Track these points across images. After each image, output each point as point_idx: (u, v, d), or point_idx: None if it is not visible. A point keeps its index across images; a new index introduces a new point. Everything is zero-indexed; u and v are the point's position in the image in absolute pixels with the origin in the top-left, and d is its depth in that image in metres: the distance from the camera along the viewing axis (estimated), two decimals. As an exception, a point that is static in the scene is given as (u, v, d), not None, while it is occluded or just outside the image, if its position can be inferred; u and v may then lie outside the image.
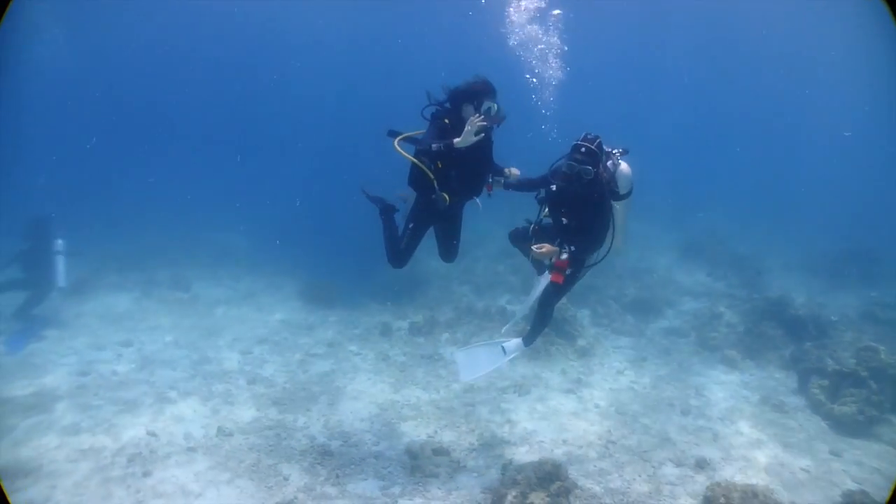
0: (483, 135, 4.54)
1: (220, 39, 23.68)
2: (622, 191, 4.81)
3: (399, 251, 5.10)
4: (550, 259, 4.79)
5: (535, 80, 7.50)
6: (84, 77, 21.41)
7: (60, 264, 9.02)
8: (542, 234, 5.08)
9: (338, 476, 5.55)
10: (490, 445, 6.23)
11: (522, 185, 5.17)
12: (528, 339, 5.45)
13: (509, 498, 5.04)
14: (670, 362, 8.72)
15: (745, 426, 6.79)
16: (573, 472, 5.62)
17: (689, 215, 15.39)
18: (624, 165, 4.79)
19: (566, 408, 7.17)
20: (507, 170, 5.12)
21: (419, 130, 4.91)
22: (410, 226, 5.06)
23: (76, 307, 9.70)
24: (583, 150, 4.44)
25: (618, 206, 4.87)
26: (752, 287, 10.92)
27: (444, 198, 4.73)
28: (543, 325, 5.45)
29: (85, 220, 10.74)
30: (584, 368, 8.40)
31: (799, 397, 7.57)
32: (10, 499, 4.43)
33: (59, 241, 9.08)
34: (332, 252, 11.89)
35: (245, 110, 24.51)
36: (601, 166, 4.57)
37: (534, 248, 4.72)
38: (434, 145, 4.49)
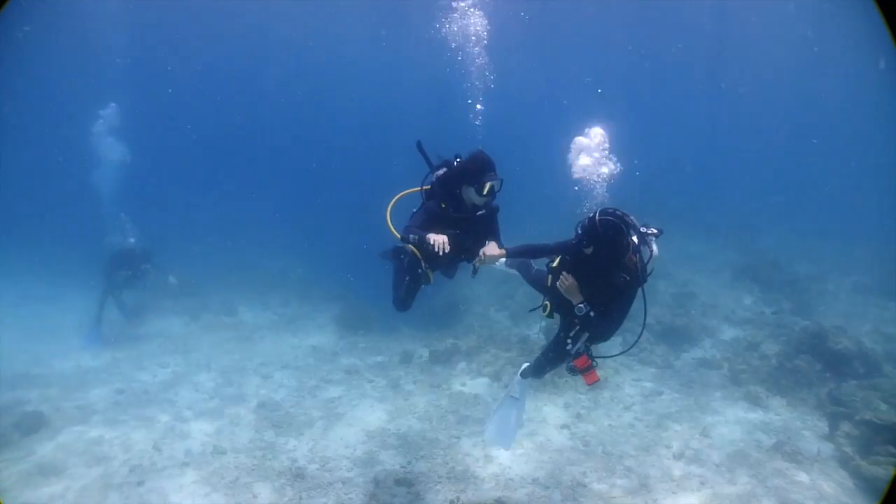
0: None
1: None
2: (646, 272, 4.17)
3: (400, 299, 5.18)
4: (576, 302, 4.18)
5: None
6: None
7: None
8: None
9: (301, 498, 5.89)
10: (457, 479, 6.26)
11: (524, 252, 4.66)
12: (526, 373, 5.21)
13: (440, 535, 5.13)
14: (688, 397, 8.12)
15: (743, 475, 6.19)
16: (526, 513, 5.54)
17: (748, 234, 14.06)
18: (654, 248, 4.16)
19: (552, 444, 6.98)
20: (481, 252, 4.53)
21: (423, 187, 4.88)
22: (406, 279, 5.04)
23: (133, 330, 11.09)
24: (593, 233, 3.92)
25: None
26: (805, 313, 9.77)
27: (429, 277, 4.84)
28: (539, 374, 5.16)
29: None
30: (591, 402, 8.09)
31: (826, 446, 6.72)
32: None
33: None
34: (376, 276, 12.41)
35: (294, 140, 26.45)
36: (632, 252, 4.03)
37: (562, 277, 4.18)
38: (410, 241, 4.52)
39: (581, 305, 4.08)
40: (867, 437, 6.24)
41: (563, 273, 4.17)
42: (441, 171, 4.74)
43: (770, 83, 26.43)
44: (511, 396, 5.38)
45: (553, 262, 4.51)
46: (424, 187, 4.90)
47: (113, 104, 14.16)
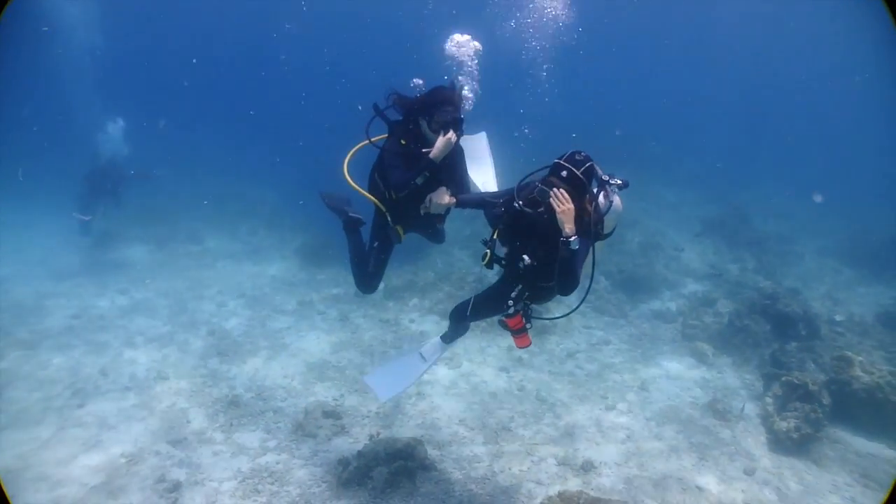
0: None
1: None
2: (606, 230, 3.68)
3: (367, 274, 4.51)
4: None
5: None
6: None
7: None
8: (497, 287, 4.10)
9: (231, 425, 6.03)
10: (385, 415, 6.36)
11: (477, 202, 4.14)
12: (448, 337, 4.76)
13: (350, 468, 5.26)
14: (635, 349, 8.16)
15: (669, 431, 6.27)
16: (445, 454, 5.64)
17: (728, 188, 13.72)
18: (617, 202, 3.64)
19: (487, 387, 7.06)
20: (427, 199, 4.14)
21: (378, 136, 4.29)
22: (375, 244, 4.47)
23: (98, 257, 11.09)
24: (563, 173, 3.39)
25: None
26: (767, 272, 9.65)
27: (399, 233, 4.36)
28: (459, 333, 4.75)
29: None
30: (535, 347, 8.10)
31: (755, 405, 6.78)
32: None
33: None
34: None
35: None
36: (588, 199, 3.50)
37: (555, 194, 3.37)
38: (402, 193, 4.07)
39: (574, 238, 3.37)
40: (786, 396, 6.33)
41: (559, 191, 3.36)
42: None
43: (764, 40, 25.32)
44: (420, 355, 4.85)
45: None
46: (378, 137, 4.30)
47: None
